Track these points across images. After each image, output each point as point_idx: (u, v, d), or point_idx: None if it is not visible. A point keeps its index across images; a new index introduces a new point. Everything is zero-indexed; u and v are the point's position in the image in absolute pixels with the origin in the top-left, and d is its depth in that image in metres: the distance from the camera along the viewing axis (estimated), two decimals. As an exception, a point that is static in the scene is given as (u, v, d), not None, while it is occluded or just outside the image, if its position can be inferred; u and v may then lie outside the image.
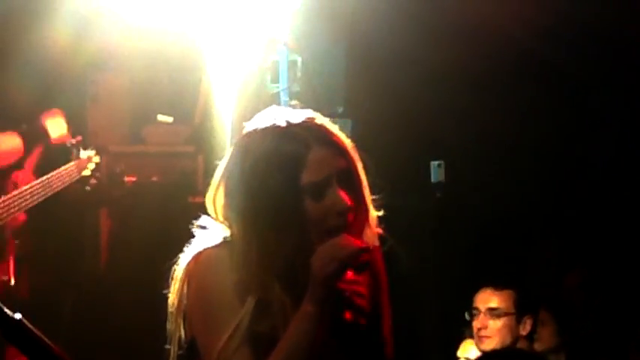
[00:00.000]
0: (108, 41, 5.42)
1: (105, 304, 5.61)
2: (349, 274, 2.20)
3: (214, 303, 2.26)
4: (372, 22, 5.44)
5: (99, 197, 5.66)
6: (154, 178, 5.97)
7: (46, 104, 4.97)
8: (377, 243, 2.37)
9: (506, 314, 4.16)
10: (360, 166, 2.31)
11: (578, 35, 5.55)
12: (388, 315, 2.41)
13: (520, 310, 4.19)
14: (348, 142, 2.30)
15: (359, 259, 2.18)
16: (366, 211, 2.31)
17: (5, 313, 1.58)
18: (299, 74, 5.37)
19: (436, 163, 5.76)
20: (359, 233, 2.27)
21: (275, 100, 5.16)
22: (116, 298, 5.55)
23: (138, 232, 5.61)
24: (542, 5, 5.41)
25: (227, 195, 2.33)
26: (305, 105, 5.27)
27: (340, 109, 5.20)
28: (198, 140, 5.83)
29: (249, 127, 2.33)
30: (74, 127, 5.27)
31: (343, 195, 2.22)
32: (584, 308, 5.66)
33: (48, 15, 5.17)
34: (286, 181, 2.20)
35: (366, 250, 2.20)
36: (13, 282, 4.68)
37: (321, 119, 2.31)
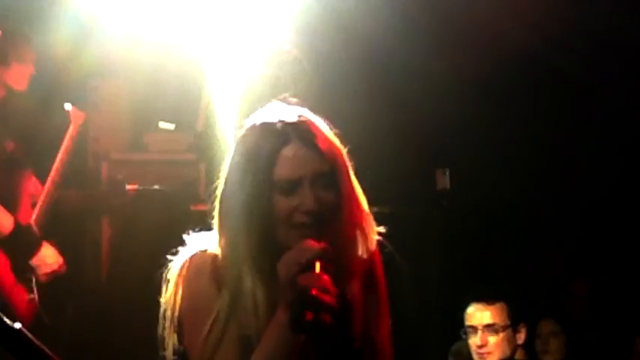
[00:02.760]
0: (109, 48, 5.40)
1: (106, 313, 5.57)
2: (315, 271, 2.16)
3: (198, 307, 2.26)
4: (377, 30, 5.43)
5: (100, 205, 5.62)
6: (156, 186, 5.93)
7: (47, 111, 4.94)
8: (372, 249, 2.34)
9: (503, 328, 4.11)
10: (347, 171, 2.29)
11: (585, 43, 5.54)
12: (387, 324, 2.38)
13: (514, 320, 4.15)
14: (336, 146, 2.29)
15: (323, 262, 2.15)
16: (352, 216, 2.28)
17: (5, 322, 1.57)
18: (302, 81, 5.34)
19: (441, 170, 5.75)
20: (335, 238, 2.22)
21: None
22: (117, 308, 5.50)
23: (139, 241, 5.57)
24: (549, 13, 5.40)
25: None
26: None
27: (343, 116, 5.16)
28: (200, 148, 5.80)
29: (247, 123, 2.34)
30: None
31: (314, 196, 2.20)
32: (587, 317, 5.65)
33: (49, 21, 5.14)
34: (259, 173, 2.21)
35: (328, 251, 2.16)
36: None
37: (313, 119, 2.30)
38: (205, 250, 2.32)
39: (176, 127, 6.01)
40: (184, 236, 2.37)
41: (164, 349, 2.32)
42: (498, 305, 4.14)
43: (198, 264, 2.30)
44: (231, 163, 2.31)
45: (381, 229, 2.37)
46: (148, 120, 6.14)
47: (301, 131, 2.24)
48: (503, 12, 5.40)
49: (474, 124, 5.86)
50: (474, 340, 4.14)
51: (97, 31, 5.30)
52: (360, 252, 2.32)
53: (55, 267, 4.84)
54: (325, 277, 2.13)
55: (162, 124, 6.05)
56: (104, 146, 6.01)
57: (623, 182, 6.05)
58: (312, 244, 2.16)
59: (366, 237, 2.32)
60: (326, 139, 2.27)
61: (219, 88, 5.39)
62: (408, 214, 5.71)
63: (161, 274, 2.36)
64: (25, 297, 4.74)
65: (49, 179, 4.96)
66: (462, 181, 5.87)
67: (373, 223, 2.35)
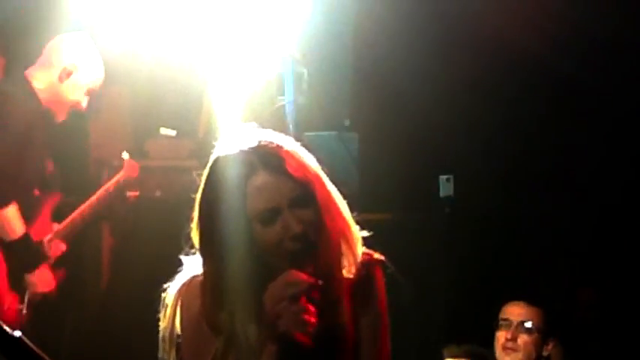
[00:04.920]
0: (110, 53, 5.37)
1: (107, 322, 5.55)
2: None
3: (198, 332, 2.26)
4: (380, 35, 5.42)
5: (100, 212, 5.59)
6: (157, 193, 5.92)
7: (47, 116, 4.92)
8: (359, 259, 2.32)
9: (537, 331, 4.14)
10: (321, 184, 2.27)
11: (590, 49, 5.52)
12: (387, 338, 2.36)
13: (548, 330, 4.17)
14: (304, 164, 2.26)
15: (309, 295, 2.16)
16: (336, 227, 2.27)
17: (5, 330, 1.57)
18: (305, 86, 5.34)
19: (445, 177, 5.73)
20: (325, 256, 2.23)
21: (280, 112, 5.13)
22: (118, 317, 5.48)
23: (141, 249, 5.56)
24: (554, 18, 5.39)
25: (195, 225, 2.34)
26: (311, 118, 5.29)
27: (347, 122, 5.18)
28: (202, 154, 5.76)
29: (213, 154, 2.33)
30: (76, 141, 5.24)
31: (296, 219, 2.19)
32: (595, 327, 5.62)
33: (50, 28, 5.13)
34: (233, 208, 2.20)
35: (314, 285, 2.16)
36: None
37: (276, 140, 2.27)
38: (201, 275, 2.31)
39: (178, 133, 6.00)
40: (181, 257, 2.37)
41: None
42: (539, 309, 4.19)
43: (195, 291, 2.30)
44: (203, 199, 2.29)
45: (365, 233, 2.35)
46: (149, 126, 6.13)
47: (266, 158, 2.22)
48: (508, 18, 5.39)
49: (477, 131, 5.84)
50: (503, 333, 4.15)
51: (98, 38, 5.28)
52: (347, 263, 2.30)
53: (46, 290, 4.87)
54: (310, 309, 2.13)
55: (164, 131, 6.03)
56: (105, 153, 6.00)
57: (630, 188, 6.03)
58: (298, 277, 2.15)
59: (351, 247, 2.31)
60: (293, 160, 2.24)
61: (220, 94, 5.38)
62: (411, 220, 5.70)
63: (160, 293, 2.36)
64: (15, 306, 4.74)
65: (80, 211, 5.03)
66: (466, 188, 5.84)
67: (358, 233, 2.33)
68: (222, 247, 2.21)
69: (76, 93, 4.89)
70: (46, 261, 4.89)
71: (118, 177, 5.27)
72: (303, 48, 5.36)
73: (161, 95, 5.97)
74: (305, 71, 5.39)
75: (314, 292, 2.15)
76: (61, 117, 4.87)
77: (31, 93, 4.75)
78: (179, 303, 2.31)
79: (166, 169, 6.04)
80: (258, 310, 2.18)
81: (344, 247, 2.29)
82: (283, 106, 5.30)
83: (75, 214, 5.07)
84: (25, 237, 4.68)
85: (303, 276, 2.15)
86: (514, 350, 4.13)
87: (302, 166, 2.25)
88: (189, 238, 2.36)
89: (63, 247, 5.02)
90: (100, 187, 5.79)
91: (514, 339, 4.13)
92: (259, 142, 2.26)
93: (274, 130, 2.37)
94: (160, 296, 2.38)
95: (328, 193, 2.28)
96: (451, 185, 5.74)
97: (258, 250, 2.20)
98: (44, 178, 4.92)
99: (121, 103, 6.14)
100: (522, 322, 4.15)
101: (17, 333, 1.57)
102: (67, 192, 5.30)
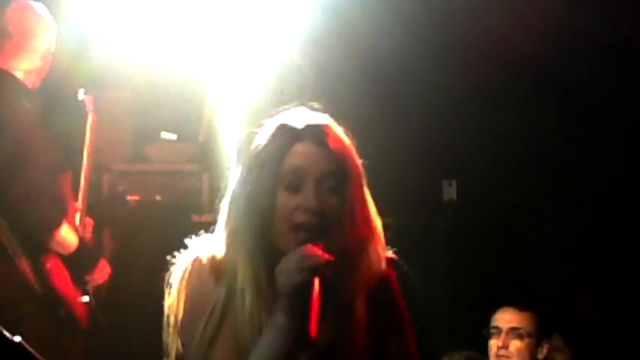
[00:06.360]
0: (109, 57, 5.36)
1: (107, 327, 5.52)
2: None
3: (196, 303, 2.25)
4: (383, 39, 5.43)
5: (101, 217, 5.58)
6: (158, 197, 5.91)
7: (46, 121, 4.90)
8: (379, 267, 2.29)
9: (528, 336, 4.10)
10: (357, 180, 2.27)
11: (596, 53, 5.52)
12: (411, 334, 2.34)
13: (540, 333, 4.13)
14: (349, 152, 2.28)
15: (324, 272, 2.12)
16: (356, 227, 2.24)
17: (5, 335, 1.56)
18: (307, 91, 5.33)
19: (447, 181, 5.74)
20: (334, 246, 2.18)
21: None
22: (119, 321, 5.46)
23: (141, 253, 5.54)
24: (559, 22, 5.39)
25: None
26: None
27: (349, 126, 5.15)
28: (202, 158, 5.78)
29: (267, 121, 2.35)
30: (75, 145, 5.21)
31: (318, 196, 2.18)
32: (597, 331, 5.61)
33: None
34: (267, 166, 2.21)
35: (331, 262, 2.13)
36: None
37: (332, 124, 2.30)
38: (207, 253, 2.29)
39: (178, 137, 5.99)
40: (186, 240, 2.35)
41: (168, 355, 2.30)
42: (529, 314, 4.15)
43: (200, 267, 2.28)
44: (245, 159, 2.31)
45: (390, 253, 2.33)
46: (149, 130, 6.12)
47: (315, 132, 2.24)
48: (512, 22, 5.40)
49: (480, 135, 5.85)
50: (495, 342, 4.12)
51: (97, 41, 5.27)
52: (365, 267, 2.26)
53: (104, 279, 4.98)
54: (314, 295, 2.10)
55: (164, 134, 6.03)
56: (105, 157, 5.97)
57: (632, 192, 6.03)
58: (314, 252, 2.13)
59: (373, 253, 2.27)
60: (339, 141, 2.26)
61: (221, 98, 5.38)
62: (414, 225, 5.71)
63: (163, 281, 2.33)
64: (81, 299, 4.82)
65: (84, 180, 5.01)
66: (469, 192, 5.87)
67: (382, 240, 2.31)
68: (248, 205, 2.22)
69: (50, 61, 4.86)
70: (103, 256, 4.98)
71: (91, 123, 5.19)
72: (305, 52, 5.37)
73: (162, 99, 5.96)
74: (307, 75, 5.39)
75: (327, 270, 2.12)
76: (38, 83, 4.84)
77: (20, 88, 4.70)
78: (184, 283, 2.28)
79: (167, 173, 6.03)
80: (264, 278, 2.17)
81: (364, 249, 2.27)
82: (284, 110, 5.27)
83: (83, 184, 5.07)
84: (80, 246, 4.72)
85: (318, 251, 2.12)
86: (507, 357, 4.09)
87: (346, 152, 2.27)
88: (195, 234, 2.36)
89: (90, 221, 5.05)
90: (99, 191, 5.81)
91: (505, 346, 4.09)
92: (318, 118, 2.29)
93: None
94: (162, 300, 2.34)
95: (361, 190, 2.28)
96: (454, 189, 5.76)
97: (274, 219, 2.19)
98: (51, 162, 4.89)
99: (122, 106, 6.12)
100: (512, 329, 4.11)
101: (17, 338, 1.57)
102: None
